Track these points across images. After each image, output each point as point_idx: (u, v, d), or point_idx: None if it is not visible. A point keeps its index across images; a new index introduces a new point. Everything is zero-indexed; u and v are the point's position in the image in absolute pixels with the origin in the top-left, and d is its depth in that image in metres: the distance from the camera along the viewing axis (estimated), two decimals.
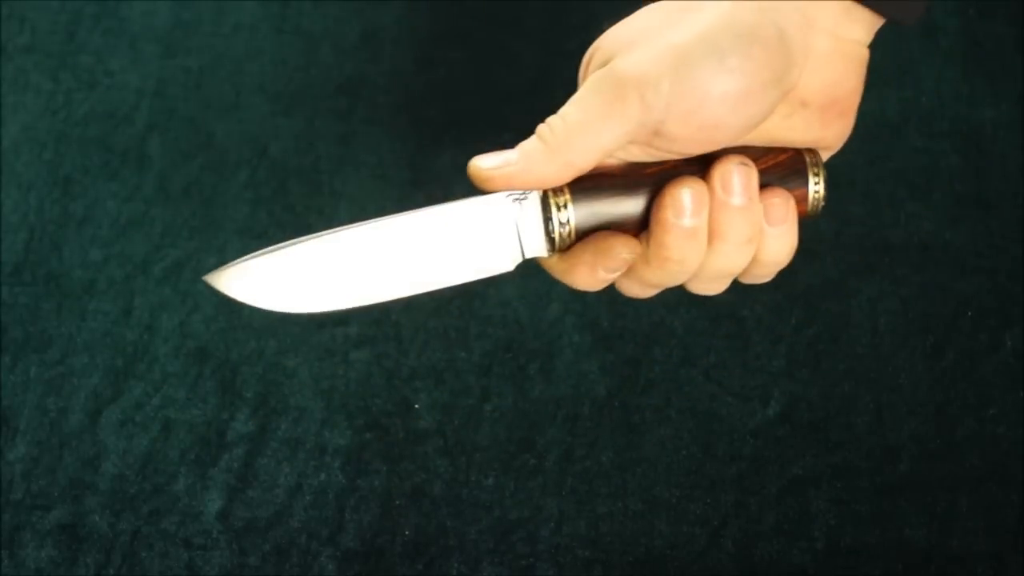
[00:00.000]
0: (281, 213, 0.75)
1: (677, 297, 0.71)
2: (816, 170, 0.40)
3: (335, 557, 0.63)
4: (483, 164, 0.39)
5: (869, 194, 0.74)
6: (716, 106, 0.37)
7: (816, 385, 0.67)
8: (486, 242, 0.40)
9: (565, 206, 0.39)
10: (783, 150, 0.40)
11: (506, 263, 0.40)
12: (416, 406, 0.67)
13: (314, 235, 0.39)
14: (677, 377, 0.68)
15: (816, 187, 0.40)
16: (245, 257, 0.38)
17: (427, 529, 0.63)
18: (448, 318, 0.70)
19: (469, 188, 0.76)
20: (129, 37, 0.82)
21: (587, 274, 0.40)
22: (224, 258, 0.73)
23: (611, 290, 0.71)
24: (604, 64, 0.38)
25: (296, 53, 0.82)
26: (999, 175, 0.75)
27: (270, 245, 0.73)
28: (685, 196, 0.38)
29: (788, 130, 0.40)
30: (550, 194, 0.40)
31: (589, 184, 0.40)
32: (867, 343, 0.69)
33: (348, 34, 0.82)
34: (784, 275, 0.71)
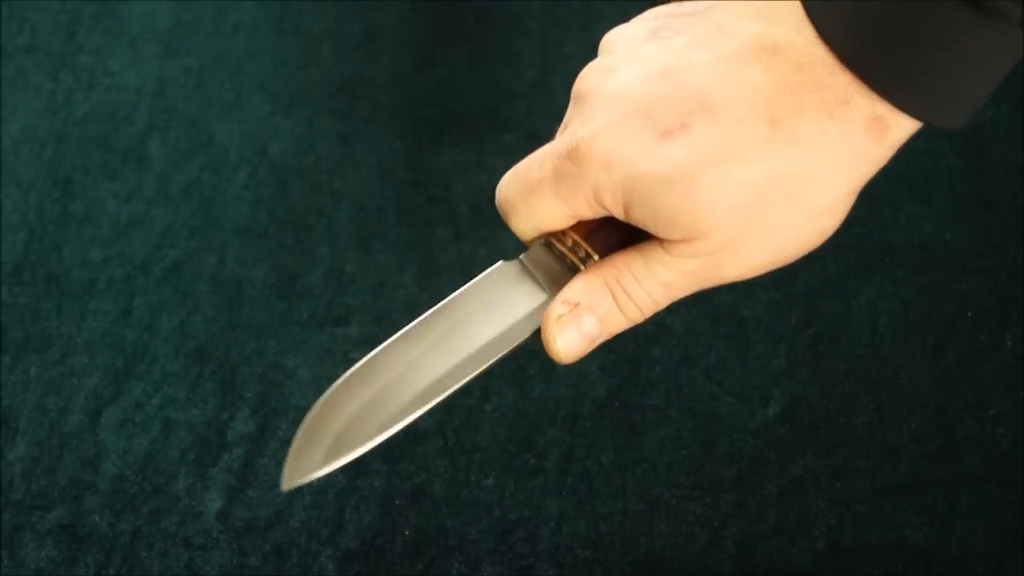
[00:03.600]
0: (281, 213, 0.75)
1: None
2: None
3: (335, 557, 0.63)
4: (575, 353, 0.38)
5: (869, 195, 0.73)
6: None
7: (816, 385, 0.67)
8: (513, 305, 0.39)
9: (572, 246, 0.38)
10: None
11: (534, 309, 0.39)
12: None
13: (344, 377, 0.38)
14: (677, 377, 0.68)
15: None
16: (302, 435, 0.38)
17: (427, 529, 0.63)
18: None
19: (469, 188, 0.76)
20: (129, 37, 0.82)
21: None
22: (224, 258, 0.73)
23: None
24: (700, 251, 0.33)
25: (296, 53, 0.82)
26: (999, 175, 0.75)
27: (270, 245, 0.73)
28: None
29: None
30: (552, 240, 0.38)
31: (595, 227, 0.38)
32: (867, 343, 0.69)
33: (348, 34, 0.82)
34: (784, 275, 0.71)
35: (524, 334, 0.38)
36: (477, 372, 0.38)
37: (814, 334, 0.69)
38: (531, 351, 0.69)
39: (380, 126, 0.78)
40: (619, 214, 0.34)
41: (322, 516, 0.64)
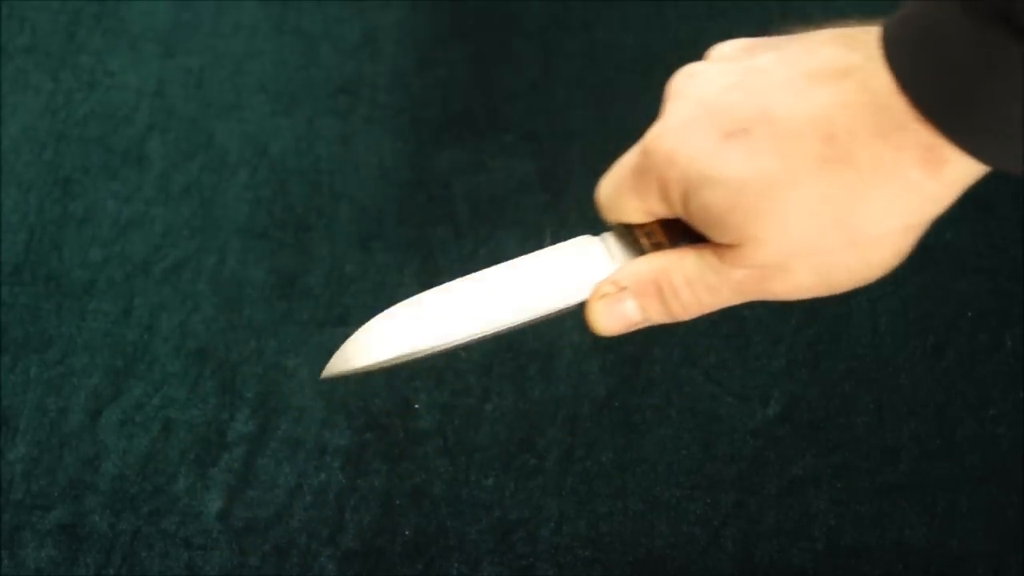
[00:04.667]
0: (281, 213, 0.75)
1: None
2: None
3: (335, 557, 0.63)
4: (609, 328, 0.38)
5: None
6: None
7: (816, 385, 0.67)
8: (578, 270, 0.40)
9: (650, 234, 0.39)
10: None
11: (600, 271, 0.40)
12: (416, 406, 0.67)
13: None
14: (677, 377, 0.68)
15: None
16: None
17: (427, 529, 0.63)
18: None
19: (469, 188, 0.76)
20: (129, 37, 0.82)
21: None
22: (224, 258, 0.73)
23: None
24: (750, 262, 0.34)
25: (296, 53, 0.82)
26: (999, 175, 0.75)
27: (270, 245, 0.73)
28: None
29: None
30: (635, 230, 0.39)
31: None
32: (867, 343, 0.69)
33: (348, 34, 0.82)
34: None
35: (579, 299, 0.39)
36: (529, 318, 0.39)
37: (814, 334, 0.69)
38: (531, 351, 0.69)
39: (380, 126, 0.78)
40: (680, 211, 0.35)
41: (322, 516, 0.64)
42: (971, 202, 0.79)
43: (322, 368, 0.65)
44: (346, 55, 0.81)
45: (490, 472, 0.65)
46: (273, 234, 0.74)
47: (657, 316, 0.37)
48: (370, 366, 0.39)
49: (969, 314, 0.70)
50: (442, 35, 0.82)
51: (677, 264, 0.36)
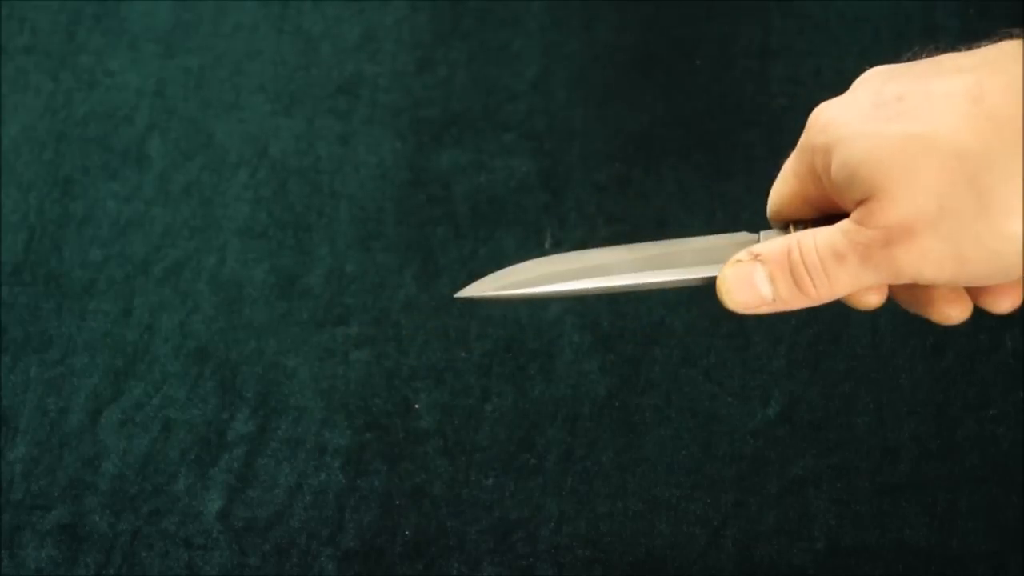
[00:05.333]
0: (281, 213, 0.75)
1: (677, 297, 0.71)
2: None
3: (335, 557, 0.63)
4: (737, 298, 0.38)
5: None
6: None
7: (816, 385, 0.67)
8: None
9: None
10: None
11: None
12: (416, 406, 0.67)
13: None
14: (677, 377, 0.68)
15: None
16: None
17: (427, 529, 0.63)
18: (448, 318, 0.70)
19: (469, 187, 0.76)
20: (129, 37, 0.82)
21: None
22: (224, 258, 0.73)
23: None
24: (876, 221, 0.34)
25: (296, 53, 0.82)
26: None
27: (270, 245, 0.73)
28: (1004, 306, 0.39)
29: None
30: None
31: None
32: (867, 343, 0.69)
33: (348, 34, 0.82)
34: None
35: (711, 271, 0.39)
36: (660, 280, 0.40)
37: (814, 334, 0.69)
38: (531, 351, 0.69)
39: (380, 126, 0.78)
40: (826, 182, 0.36)
41: (322, 516, 0.64)
42: None
43: (322, 368, 0.65)
44: (346, 55, 0.81)
45: (490, 472, 0.65)
46: (273, 234, 0.74)
47: (786, 290, 0.37)
48: (510, 295, 0.40)
49: None
50: (442, 35, 0.82)
51: (811, 233, 0.36)
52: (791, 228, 0.39)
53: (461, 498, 0.64)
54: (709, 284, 0.39)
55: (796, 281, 0.37)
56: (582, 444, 0.66)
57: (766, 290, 0.37)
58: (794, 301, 0.37)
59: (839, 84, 0.39)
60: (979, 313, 0.70)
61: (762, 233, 0.40)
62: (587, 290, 0.40)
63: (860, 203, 0.34)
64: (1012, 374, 0.67)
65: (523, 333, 0.70)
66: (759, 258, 0.37)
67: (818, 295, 0.36)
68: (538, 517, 0.64)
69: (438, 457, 0.66)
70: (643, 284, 0.40)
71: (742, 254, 0.38)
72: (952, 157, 0.32)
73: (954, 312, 0.39)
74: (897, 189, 0.33)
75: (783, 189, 0.39)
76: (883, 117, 0.34)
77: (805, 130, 0.36)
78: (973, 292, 0.39)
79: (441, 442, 0.66)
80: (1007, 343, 0.68)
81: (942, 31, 0.80)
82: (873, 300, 0.39)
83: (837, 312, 0.71)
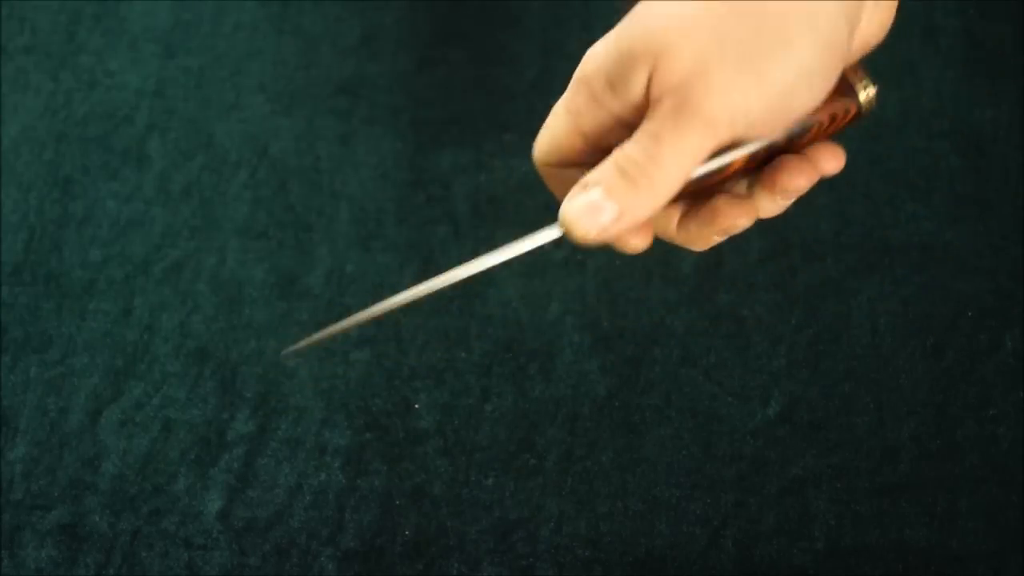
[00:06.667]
0: (281, 213, 0.75)
1: (677, 297, 0.71)
2: (863, 81, 0.40)
3: (335, 557, 0.63)
4: (586, 224, 0.38)
5: (869, 194, 0.74)
6: (799, 112, 0.36)
7: (816, 385, 0.67)
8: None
9: None
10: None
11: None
12: (416, 406, 0.67)
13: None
14: (677, 377, 0.68)
15: (866, 92, 0.40)
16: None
17: (427, 529, 0.63)
18: (448, 318, 0.70)
19: (469, 188, 0.76)
20: (129, 37, 0.83)
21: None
22: (224, 258, 0.73)
23: (611, 290, 0.71)
24: (671, 83, 0.35)
25: (296, 53, 0.82)
26: (999, 175, 0.75)
27: (270, 245, 0.73)
28: (802, 183, 0.38)
29: None
30: None
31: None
32: (867, 343, 0.69)
33: (348, 34, 0.82)
34: (784, 275, 0.71)
35: (552, 233, 0.40)
36: (496, 261, 0.40)
37: (814, 334, 0.69)
38: (532, 351, 0.69)
39: (380, 126, 0.78)
40: (613, 94, 0.37)
41: (322, 516, 0.64)
42: (971, 202, 0.80)
43: (322, 368, 0.66)
44: (346, 55, 0.81)
45: (490, 472, 0.65)
46: (273, 234, 0.74)
47: (624, 196, 0.36)
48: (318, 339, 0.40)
49: (969, 314, 0.70)
50: (442, 35, 0.82)
51: (622, 144, 0.37)
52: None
53: (461, 498, 0.64)
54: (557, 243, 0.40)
55: (629, 182, 0.37)
56: (582, 444, 0.66)
57: (608, 206, 0.37)
58: (637, 206, 0.37)
59: None
60: (979, 313, 0.70)
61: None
62: (420, 293, 0.40)
63: (651, 91, 0.35)
64: (1012, 374, 0.67)
65: (523, 333, 0.70)
66: (589, 182, 0.38)
67: (654, 186, 0.36)
68: (538, 517, 0.64)
69: (438, 457, 0.66)
70: (483, 267, 0.40)
71: (574, 189, 0.38)
72: (719, 5, 0.34)
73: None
74: (677, 43, 0.34)
75: (557, 126, 0.41)
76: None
77: (579, 66, 0.38)
78: (799, 165, 0.38)
79: (441, 442, 0.66)
80: (1007, 343, 0.68)
81: (942, 31, 0.81)
82: (638, 242, 0.40)
83: (837, 312, 0.71)
